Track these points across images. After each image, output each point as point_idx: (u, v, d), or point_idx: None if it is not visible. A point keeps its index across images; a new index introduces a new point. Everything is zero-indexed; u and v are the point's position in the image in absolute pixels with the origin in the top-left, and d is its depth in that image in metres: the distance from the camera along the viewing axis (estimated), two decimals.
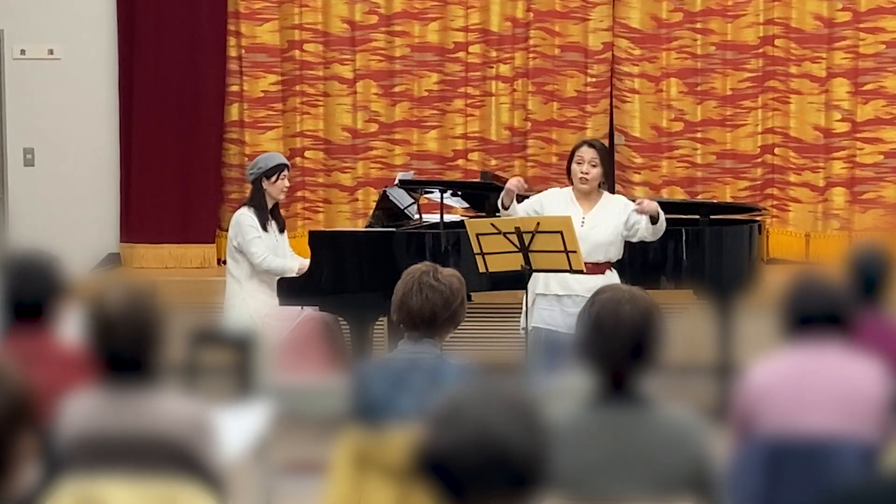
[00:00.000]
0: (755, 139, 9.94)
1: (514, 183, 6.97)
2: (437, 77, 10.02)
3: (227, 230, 8.23)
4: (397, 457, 4.12)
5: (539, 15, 9.97)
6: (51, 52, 10.05)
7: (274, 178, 7.91)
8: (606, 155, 7.14)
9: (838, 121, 9.87)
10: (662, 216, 6.88)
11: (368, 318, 7.70)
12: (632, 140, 9.98)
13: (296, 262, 7.89)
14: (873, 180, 9.87)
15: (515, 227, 6.67)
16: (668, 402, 3.45)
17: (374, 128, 10.06)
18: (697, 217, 8.19)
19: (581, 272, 6.65)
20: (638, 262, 7.54)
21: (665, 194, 9.87)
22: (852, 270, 4.81)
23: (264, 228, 7.87)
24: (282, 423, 5.07)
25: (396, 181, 8.47)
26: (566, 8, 9.95)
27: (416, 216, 8.49)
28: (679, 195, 9.88)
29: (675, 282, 7.78)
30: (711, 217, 8.19)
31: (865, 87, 9.85)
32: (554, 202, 6.99)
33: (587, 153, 6.96)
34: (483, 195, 8.24)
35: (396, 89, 10.03)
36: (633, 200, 7.02)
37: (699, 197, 9.83)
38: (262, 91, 10.01)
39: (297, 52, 10.03)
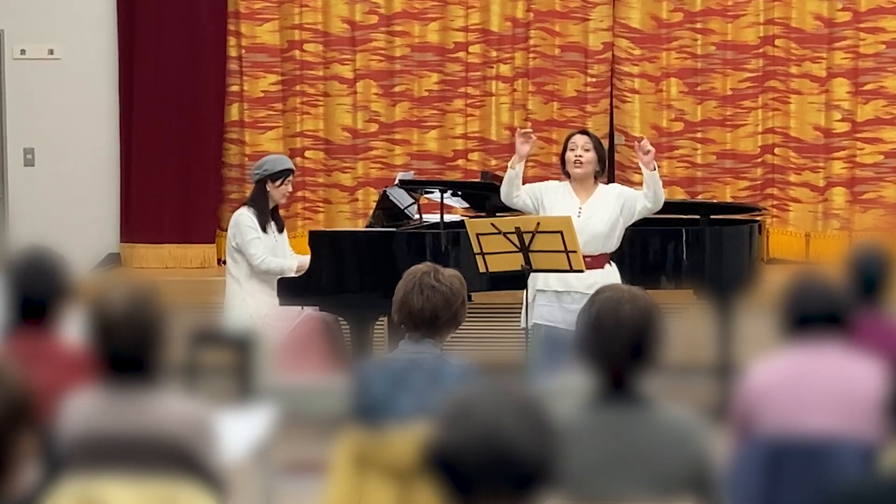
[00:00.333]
0: (755, 139, 9.95)
1: (525, 150, 6.97)
2: (437, 77, 10.02)
3: (227, 230, 8.23)
4: (397, 457, 4.12)
5: (539, 15, 9.97)
6: (51, 52, 10.05)
7: (279, 182, 7.92)
8: (600, 144, 7.17)
9: (838, 121, 9.87)
10: (657, 175, 6.90)
11: (368, 318, 7.70)
12: (632, 140, 9.97)
13: (295, 261, 7.89)
14: (873, 180, 9.87)
15: (515, 227, 6.68)
16: (668, 402, 3.45)
17: (374, 128, 10.06)
18: (697, 217, 8.19)
19: (581, 272, 6.65)
20: (638, 262, 7.54)
21: (665, 194, 9.83)
22: (852, 270, 4.81)
23: (264, 229, 7.87)
24: (282, 424, 5.07)
25: (396, 181, 8.47)
26: (566, 8, 9.95)
27: (416, 216, 8.49)
28: (679, 195, 9.88)
29: (675, 282, 7.78)
30: (711, 217, 8.19)
31: (865, 87, 9.85)
32: (552, 192, 7.00)
33: (579, 139, 7.03)
34: (483, 195, 8.24)
35: (396, 89, 10.03)
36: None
37: (699, 197, 9.83)
38: (262, 91, 10.02)
39: (297, 52, 10.04)
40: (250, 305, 7.79)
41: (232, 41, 10.03)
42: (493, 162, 9.96)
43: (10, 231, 9.91)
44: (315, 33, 10.03)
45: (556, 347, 6.60)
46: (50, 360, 4.03)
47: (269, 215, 7.93)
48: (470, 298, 7.77)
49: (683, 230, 7.80)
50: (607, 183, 7.45)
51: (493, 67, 10.02)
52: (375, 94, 10.05)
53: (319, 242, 7.86)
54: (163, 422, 3.59)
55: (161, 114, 9.92)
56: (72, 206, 9.97)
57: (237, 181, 10.01)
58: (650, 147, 6.92)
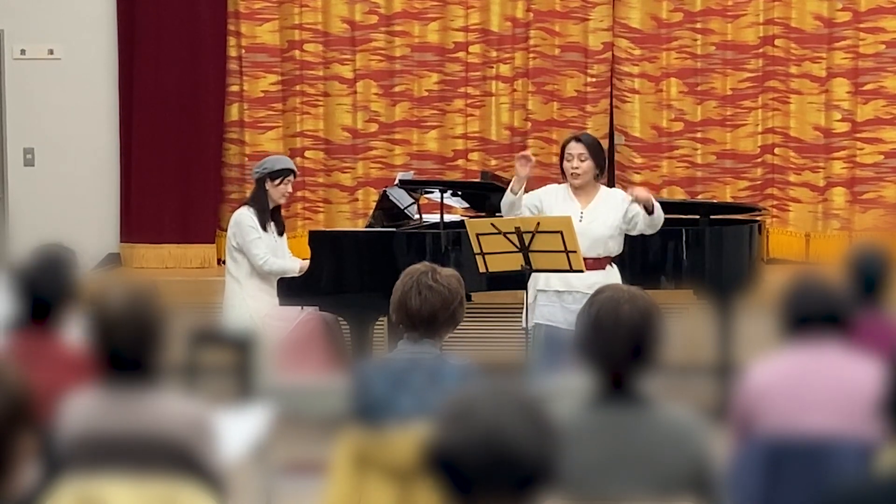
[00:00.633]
0: (755, 139, 9.94)
1: (524, 172, 6.93)
2: (437, 77, 10.02)
3: (227, 230, 8.23)
4: (397, 457, 4.12)
5: (539, 15, 9.97)
6: (51, 52, 10.05)
7: (278, 182, 7.91)
8: (596, 146, 7.08)
9: (838, 121, 9.87)
10: (658, 207, 6.86)
11: (368, 318, 7.70)
12: (632, 140, 9.98)
13: (296, 263, 7.89)
14: (873, 180, 9.87)
15: (515, 227, 6.67)
16: (668, 402, 3.45)
17: (374, 128, 10.06)
18: (697, 217, 8.19)
19: (581, 272, 6.65)
20: (638, 262, 7.54)
21: (665, 194, 9.87)
22: (852, 270, 4.81)
23: (264, 229, 7.87)
24: (282, 423, 5.07)
25: (396, 181, 8.47)
26: (566, 8, 9.95)
27: (416, 216, 8.49)
28: (679, 195, 9.88)
29: (675, 282, 7.78)
30: (711, 217, 8.19)
31: (865, 87, 9.85)
32: (552, 198, 6.99)
33: (575, 149, 6.98)
34: (483, 195, 8.24)
35: (396, 89, 10.03)
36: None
37: (699, 197, 9.83)
38: (262, 91, 10.01)
39: (297, 52, 10.04)
40: (250, 305, 7.79)
41: (232, 41, 10.03)
42: (493, 162, 9.96)
43: (10, 231, 9.91)
44: (315, 33, 10.03)
45: (557, 347, 6.60)
46: (53, 360, 4.04)
47: (268, 214, 7.93)
48: (469, 298, 7.80)
49: (683, 230, 7.80)
50: (607, 183, 7.44)
51: (493, 67, 10.02)
52: (375, 94, 10.05)
53: (319, 242, 7.86)
54: (162, 421, 3.59)
55: (161, 114, 9.92)
56: (72, 206, 9.97)
57: (237, 181, 10.01)
58: (644, 195, 6.84)
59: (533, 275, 6.81)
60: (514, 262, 6.73)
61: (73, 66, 10.03)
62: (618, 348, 3.40)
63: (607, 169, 8.05)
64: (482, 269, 6.80)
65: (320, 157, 10.09)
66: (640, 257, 7.59)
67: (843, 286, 4.36)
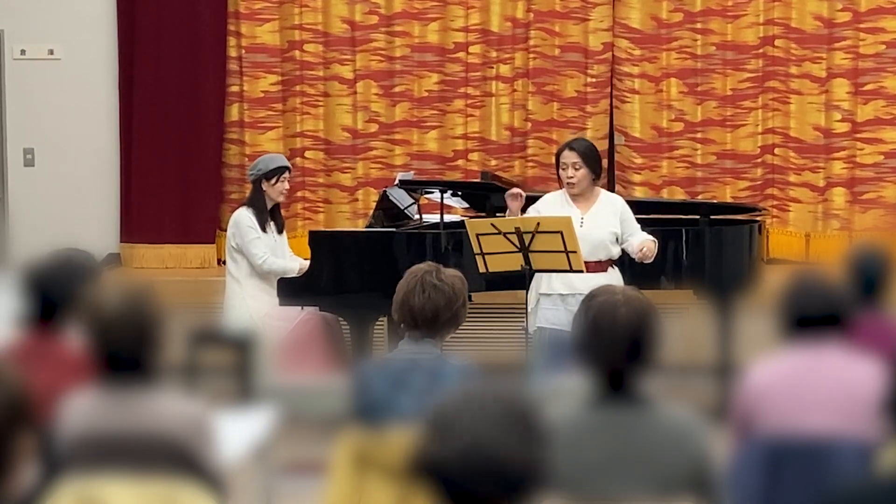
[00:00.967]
0: (755, 139, 9.94)
1: (516, 207, 6.93)
2: (437, 77, 10.02)
3: (227, 230, 8.23)
4: (397, 457, 4.12)
5: (539, 15, 9.97)
6: (51, 52, 10.05)
7: (274, 181, 7.91)
8: (590, 152, 7.02)
9: (838, 121, 9.87)
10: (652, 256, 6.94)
11: (368, 318, 7.70)
12: (632, 140, 9.98)
13: (296, 263, 7.89)
14: (873, 180, 9.87)
15: (515, 228, 6.67)
16: (667, 402, 3.45)
17: (374, 128, 10.06)
18: (697, 217, 8.19)
19: (581, 272, 6.65)
20: (638, 262, 7.54)
21: (665, 194, 9.88)
22: (852, 270, 4.81)
23: (263, 229, 7.87)
24: (282, 424, 5.07)
25: (396, 181, 8.47)
26: (566, 8, 9.95)
27: (417, 216, 8.49)
28: (679, 195, 9.88)
29: (675, 282, 7.78)
30: (711, 217, 8.19)
31: (865, 88, 9.85)
32: (551, 207, 6.98)
33: (568, 158, 6.93)
34: (483, 195, 8.24)
35: (396, 89, 10.03)
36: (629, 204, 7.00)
37: (699, 197, 9.83)
38: (262, 91, 10.02)
39: (297, 53, 10.04)
40: (250, 305, 7.79)
41: (232, 41, 10.03)
42: (493, 162, 9.97)
43: (10, 231, 9.91)
44: (315, 33, 10.03)
45: (561, 350, 6.59)
46: (57, 360, 4.04)
47: (267, 215, 7.93)
48: (470, 299, 7.79)
49: (683, 230, 7.80)
50: (608, 185, 7.42)
51: (493, 67, 10.02)
52: (375, 94, 10.05)
53: (319, 242, 7.86)
54: (161, 421, 3.59)
55: (161, 114, 9.92)
56: (72, 206, 9.97)
57: (237, 181, 10.01)
58: (648, 254, 6.91)
59: (535, 278, 6.81)
60: (514, 263, 6.73)
61: (73, 66, 10.03)
62: (616, 349, 3.40)
63: (608, 169, 8.05)
64: (482, 270, 6.80)
65: (320, 157, 10.09)
66: None
67: (841, 286, 4.36)
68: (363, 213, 9.81)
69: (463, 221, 7.38)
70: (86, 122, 10.04)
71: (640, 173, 9.94)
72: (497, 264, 6.77)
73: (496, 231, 6.72)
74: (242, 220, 7.88)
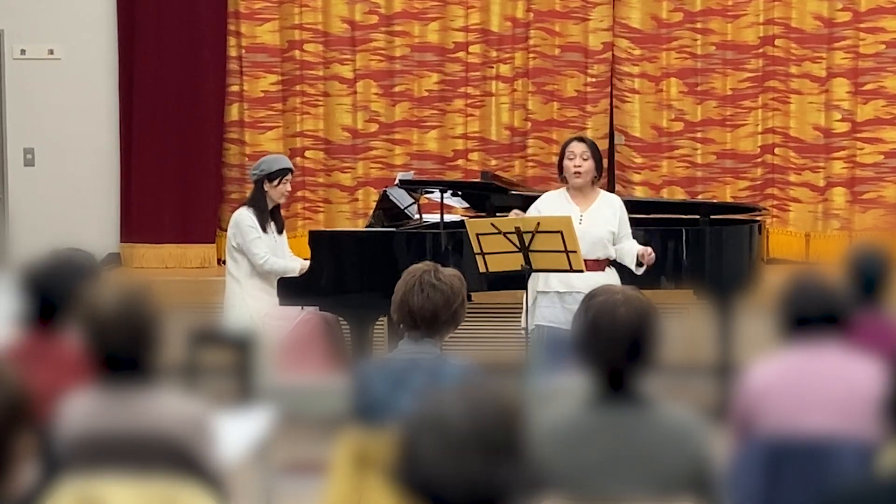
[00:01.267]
0: (755, 139, 9.94)
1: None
2: (437, 77, 10.02)
3: (227, 230, 8.23)
4: (391, 451, 4.12)
5: (539, 15, 9.97)
6: (51, 52, 10.05)
7: (276, 182, 7.91)
8: (596, 148, 7.16)
9: (838, 121, 9.87)
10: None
11: (368, 318, 7.70)
12: (632, 140, 9.98)
13: (297, 263, 7.89)
14: (873, 180, 9.87)
15: (515, 227, 6.68)
16: (667, 402, 3.45)
17: (374, 128, 10.06)
18: (697, 217, 8.19)
19: (581, 272, 6.66)
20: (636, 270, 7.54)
21: (665, 194, 9.88)
22: (852, 270, 4.81)
23: (263, 229, 7.87)
24: (282, 424, 5.07)
25: (396, 181, 8.47)
26: (566, 8, 9.95)
27: (417, 216, 8.49)
28: (679, 195, 9.88)
29: (675, 282, 7.78)
30: (711, 217, 8.19)
31: (865, 87, 9.85)
32: (550, 205, 6.99)
33: (577, 147, 7.00)
34: (483, 195, 8.24)
35: (396, 89, 10.03)
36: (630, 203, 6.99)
37: (699, 197, 9.83)
38: (262, 91, 10.02)
39: (297, 52, 10.04)
40: (250, 305, 7.79)
41: (232, 41, 10.03)
42: (493, 162, 9.97)
43: (10, 231, 9.91)
44: (315, 33, 10.03)
45: (558, 348, 6.60)
46: (56, 360, 4.04)
47: (268, 215, 7.93)
48: (470, 298, 7.79)
49: (683, 230, 7.80)
50: (607, 184, 7.43)
51: (493, 67, 10.02)
52: (375, 94, 10.05)
53: (319, 242, 7.86)
54: (160, 420, 3.59)
55: (161, 114, 9.92)
56: (72, 206, 9.97)
57: (237, 181, 10.01)
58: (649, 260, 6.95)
59: (532, 276, 6.81)
60: (515, 262, 6.73)
61: (73, 66, 10.03)
62: (615, 349, 3.40)
63: (608, 169, 8.05)
64: (482, 269, 6.80)
65: (320, 157, 10.09)
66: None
67: (841, 286, 4.35)
68: (363, 213, 9.81)
69: (463, 221, 7.38)
70: (86, 122, 10.04)
71: (640, 173, 9.94)
72: (497, 264, 6.77)
73: (496, 231, 6.72)
74: (243, 219, 7.88)
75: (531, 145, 9.99)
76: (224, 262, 8.50)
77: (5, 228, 9.98)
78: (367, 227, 8.36)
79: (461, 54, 10.01)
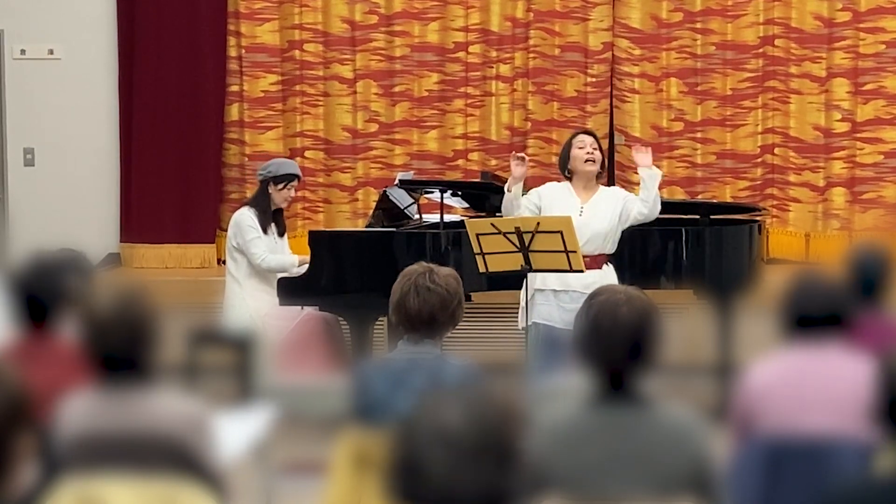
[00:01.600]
0: (755, 139, 9.95)
1: (519, 172, 6.92)
2: (437, 77, 10.02)
3: (227, 230, 8.23)
4: (386, 458, 4.11)
5: (539, 15, 9.97)
6: (51, 52, 10.05)
7: (281, 186, 7.92)
8: (601, 145, 7.18)
9: (838, 121, 9.87)
10: (655, 172, 6.90)
11: (368, 318, 7.70)
12: (632, 140, 9.96)
13: (294, 257, 7.90)
14: (873, 180, 9.87)
15: (515, 227, 6.67)
16: (667, 402, 3.44)
17: (374, 128, 10.06)
18: (697, 217, 8.19)
19: (581, 272, 6.65)
20: (638, 261, 7.54)
21: (665, 194, 9.84)
22: (852, 270, 4.81)
23: (264, 231, 7.87)
24: (282, 424, 5.07)
25: (396, 181, 8.47)
26: (566, 8, 9.95)
27: (416, 216, 8.49)
28: (679, 195, 9.88)
29: (675, 282, 7.78)
30: (711, 217, 8.19)
31: (865, 87, 9.85)
32: (552, 194, 6.99)
33: (587, 138, 7.04)
34: (483, 195, 8.24)
35: (396, 89, 10.03)
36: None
37: (699, 197, 9.83)
38: (262, 91, 10.02)
39: (297, 52, 10.04)
40: (250, 305, 7.79)
41: (232, 41, 10.03)
42: (493, 162, 9.96)
43: (10, 231, 9.91)
44: (315, 33, 10.03)
45: (553, 347, 6.61)
46: (52, 359, 4.04)
47: (270, 216, 7.93)
48: (469, 298, 7.79)
49: (683, 230, 7.80)
50: (607, 184, 7.45)
51: (493, 67, 10.02)
52: (375, 94, 10.05)
53: (319, 242, 7.86)
54: (159, 420, 3.59)
55: (161, 114, 9.92)
56: (72, 206, 9.97)
57: (237, 181, 10.02)
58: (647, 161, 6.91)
59: (530, 274, 6.81)
60: (514, 262, 6.72)
61: (73, 66, 10.03)
62: (616, 349, 3.40)
63: (608, 169, 8.05)
64: (482, 269, 6.79)
65: (320, 157, 10.09)
66: (640, 257, 7.60)
67: (843, 286, 4.35)
68: (363, 213, 9.81)
69: (463, 221, 7.37)
70: (86, 122, 10.04)
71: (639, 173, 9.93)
72: (497, 264, 6.77)
73: (496, 231, 6.71)
74: (243, 219, 7.88)
75: (531, 145, 9.98)
76: (224, 263, 8.51)
77: (5, 228, 9.98)
78: (367, 227, 8.36)
79: (461, 54, 10.01)
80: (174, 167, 9.95)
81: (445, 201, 8.12)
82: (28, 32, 10.02)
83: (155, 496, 3.51)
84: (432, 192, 8.38)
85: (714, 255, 7.90)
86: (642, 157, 6.98)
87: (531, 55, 9.99)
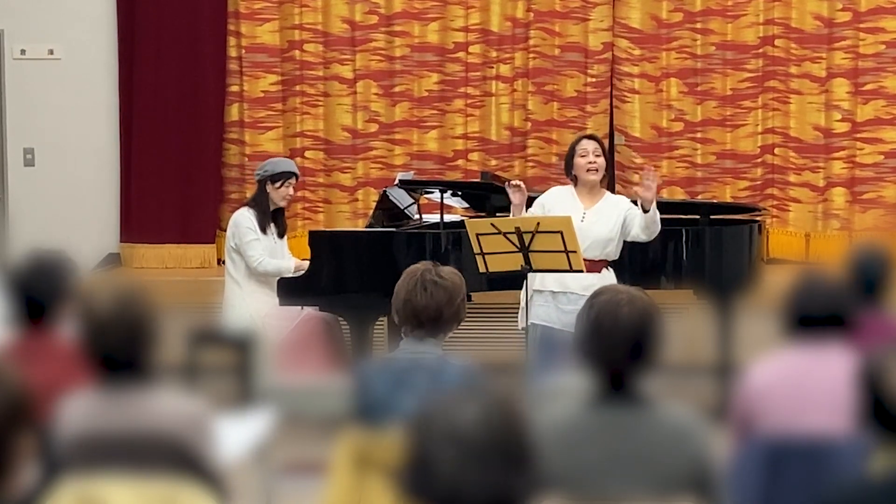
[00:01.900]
0: (755, 139, 9.95)
1: (518, 200, 6.89)
2: (437, 77, 10.02)
3: (227, 230, 8.23)
4: (398, 457, 4.12)
5: (539, 15, 9.97)
6: (51, 52, 10.05)
7: (279, 184, 7.92)
8: (605, 148, 7.17)
9: (838, 121, 9.87)
10: (656, 210, 6.83)
11: (368, 318, 7.70)
12: (632, 140, 9.98)
13: (292, 262, 7.89)
14: (873, 180, 9.87)
15: (515, 227, 6.67)
16: (668, 402, 3.44)
17: (374, 128, 10.06)
18: (697, 217, 8.19)
19: (581, 272, 6.65)
20: (638, 262, 7.54)
21: (665, 194, 9.87)
22: (852, 270, 4.81)
23: (263, 231, 7.87)
24: (282, 424, 5.07)
25: (396, 181, 8.47)
26: (566, 8, 9.95)
27: (416, 216, 8.49)
28: (679, 195, 9.89)
29: (675, 282, 7.78)
30: (711, 217, 8.19)
31: (865, 87, 9.85)
32: (557, 199, 6.99)
33: (590, 145, 7.01)
34: (483, 195, 8.24)
35: (396, 89, 10.03)
36: (635, 203, 6.97)
37: (699, 197, 9.83)
38: (262, 91, 10.02)
39: (297, 52, 10.04)
40: (250, 305, 7.79)
41: (232, 41, 10.03)
42: (493, 162, 9.97)
43: (10, 231, 9.91)
44: (315, 33, 10.03)
45: (551, 348, 6.60)
46: (51, 357, 4.04)
47: (269, 216, 7.93)
48: (469, 298, 7.79)
49: (683, 230, 7.80)
50: (607, 185, 7.43)
51: (493, 67, 10.02)
52: (375, 94, 10.05)
53: (319, 242, 7.86)
54: (159, 419, 3.59)
55: (161, 114, 9.92)
56: (72, 206, 9.97)
57: (237, 181, 10.02)
58: (652, 182, 6.76)
59: (530, 275, 6.81)
60: (514, 263, 6.72)
61: (73, 66, 10.03)
62: (617, 349, 3.40)
63: (607, 169, 8.04)
64: (482, 269, 6.79)
65: (320, 157, 10.09)
66: (640, 257, 7.59)
67: (845, 286, 4.35)
68: (363, 213, 9.81)
69: (463, 221, 7.37)
70: (86, 122, 10.05)
71: (639, 173, 9.91)
72: (497, 264, 6.76)
73: (496, 231, 6.71)
74: (242, 220, 7.88)
75: (531, 145, 9.99)
76: (224, 263, 8.51)
77: (5, 228, 9.98)
78: (367, 227, 8.36)
79: (461, 54, 10.01)
80: (174, 167, 9.95)
81: (445, 201, 8.12)
82: (28, 32, 10.02)
83: (155, 496, 3.51)
84: (432, 193, 8.38)
85: (714, 255, 7.90)
86: (648, 191, 6.77)
87: (531, 55, 9.99)
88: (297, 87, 10.06)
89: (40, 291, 4.18)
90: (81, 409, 3.63)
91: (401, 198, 8.42)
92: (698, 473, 3.40)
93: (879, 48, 9.84)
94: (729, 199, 9.80)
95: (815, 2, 9.83)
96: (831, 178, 9.90)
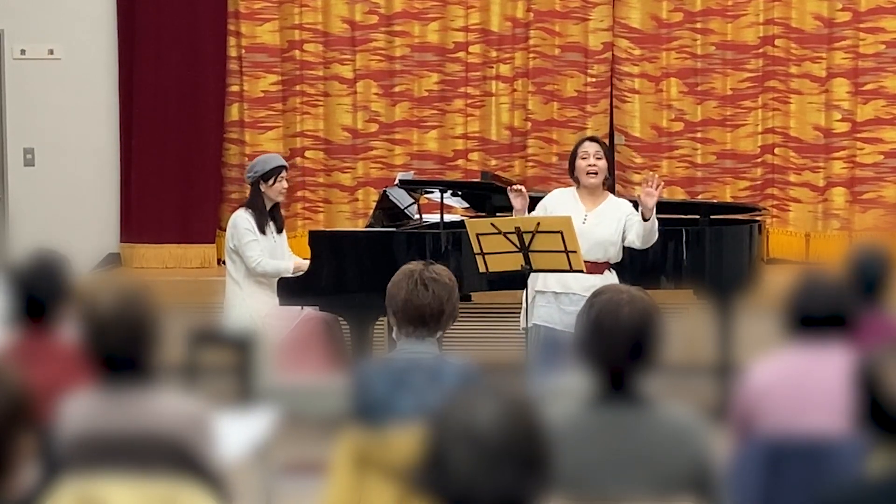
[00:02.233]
0: (755, 139, 9.95)
1: (519, 205, 6.89)
2: (437, 77, 10.02)
3: (227, 230, 8.23)
4: (397, 457, 4.12)
5: (539, 15, 9.97)
6: (51, 52, 10.05)
7: (271, 181, 7.92)
8: (608, 150, 7.17)
9: (838, 121, 9.87)
10: (655, 221, 6.82)
11: (368, 318, 7.70)
12: (632, 140, 9.98)
13: (291, 263, 7.89)
14: (873, 180, 9.87)
15: (515, 227, 6.67)
16: (668, 402, 3.44)
17: (374, 128, 10.06)
18: (697, 217, 8.19)
19: (581, 272, 6.65)
20: (638, 262, 7.54)
21: (665, 194, 9.83)
22: (852, 270, 4.81)
23: (262, 231, 7.87)
24: (282, 424, 5.07)
25: (396, 181, 8.47)
26: (566, 8, 9.95)
27: (416, 216, 8.49)
28: (679, 195, 9.88)
29: (675, 282, 7.78)
30: (711, 217, 8.19)
31: (865, 87, 9.85)
32: (559, 202, 6.99)
33: (591, 147, 7.00)
34: (483, 195, 8.24)
35: (396, 89, 10.03)
36: (636, 205, 6.97)
37: (699, 197, 9.83)
38: (262, 91, 10.02)
39: (297, 52, 10.04)
40: (250, 305, 7.79)
41: (232, 41, 10.03)
42: (493, 162, 9.97)
43: (10, 231, 9.91)
44: (315, 33, 10.03)
45: (553, 349, 6.60)
46: (52, 357, 4.04)
47: (266, 216, 7.93)
48: (469, 298, 7.80)
49: (683, 230, 7.80)
50: (609, 186, 7.43)
51: (493, 67, 10.02)
52: (375, 94, 10.05)
53: (319, 242, 7.86)
54: (160, 419, 3.59)
55: (161, 114, 9.92)
56: (72, 206, 9.97)
57: (237, 181, 10.01)
58: (651, 202, 6.73)
59: (532, 275, 6.81)
60: (515, 262, 6.72)
61: (73, 66, 10.03)
62: (618, 349, 3.40)
63: (607, 169, 8.04)
64: (482, 269, 6.79)
65: (320, 157, 10.09)
66: (640, 257, 7.58)
67: (846, 286, 4.35)
68: (363, 213, 9.81)
69: (463, 221, 7.38)
70: (86, 122, 10.05)
71: (640, 173, 9.93)
72: (497, 264, 6.77)
73: (496, 231, 6.72)
74: (240, 222, 7.88)
75: (531, 145, 9.99)
76: (224, 263, 8.51)
77: (5, 228, 9.98)
78: (367, 227, 8.36)
79: (461, 54, 10.01)
80: (174, 167, 9.95)
81: (445, 201, 8.12)
82: (28, 32, 10.02)
83: (155, 496, 3.51)
84: (432, 192, 8.38)
85: (714, 255, 7.90)
86: (651, 197, 6.77)
87: (531, 55, 9.99)
88: (297, 87, 10.06)
89: (41, 291, 4.19)
90: (82, 409, 3.63)
91: (401, 198, 8.42)
92: (698, 473, 3.40)
93: (879, 48, 9.84)
94: (729, 199, 9.80)
95: (815, 2, 9.83)
96: (831, 178, 9.90)
